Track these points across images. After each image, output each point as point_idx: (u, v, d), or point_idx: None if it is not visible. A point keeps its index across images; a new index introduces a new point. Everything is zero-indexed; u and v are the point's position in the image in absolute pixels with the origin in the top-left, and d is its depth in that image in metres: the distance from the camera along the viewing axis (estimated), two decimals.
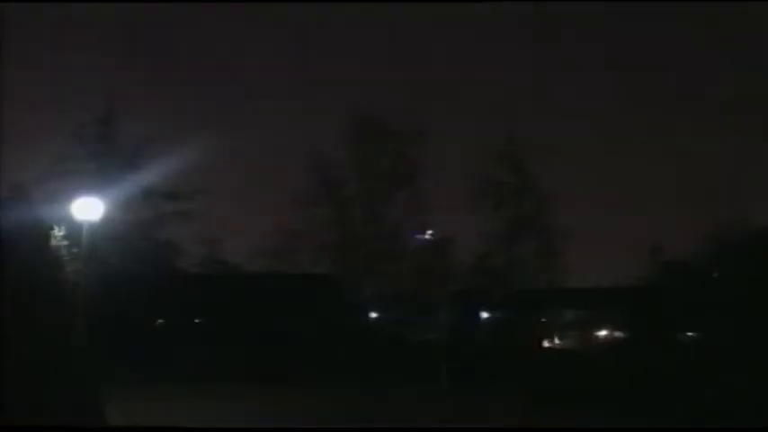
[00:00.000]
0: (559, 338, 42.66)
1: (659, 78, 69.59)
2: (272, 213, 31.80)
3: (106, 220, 23.63)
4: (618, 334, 38.28)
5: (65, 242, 23.86)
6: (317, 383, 24.74)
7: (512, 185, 33.41)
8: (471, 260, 33.74)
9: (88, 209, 19.69)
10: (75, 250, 22.19)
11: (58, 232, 22.89)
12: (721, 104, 69.51)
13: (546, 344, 39.83)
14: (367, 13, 66.97)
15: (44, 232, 15.48)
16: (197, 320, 34.87)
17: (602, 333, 41.19)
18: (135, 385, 21.05)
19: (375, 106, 33.86)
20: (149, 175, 30.92)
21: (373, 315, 38.80)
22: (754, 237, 29.07)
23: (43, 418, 8.33)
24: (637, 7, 58.63)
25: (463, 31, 70.75)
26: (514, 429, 16.48)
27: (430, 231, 33.44)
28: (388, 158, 32.95)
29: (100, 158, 30.99)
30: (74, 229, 21.98)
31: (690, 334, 32.72)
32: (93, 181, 29.17)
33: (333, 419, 16.86)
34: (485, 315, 39.19)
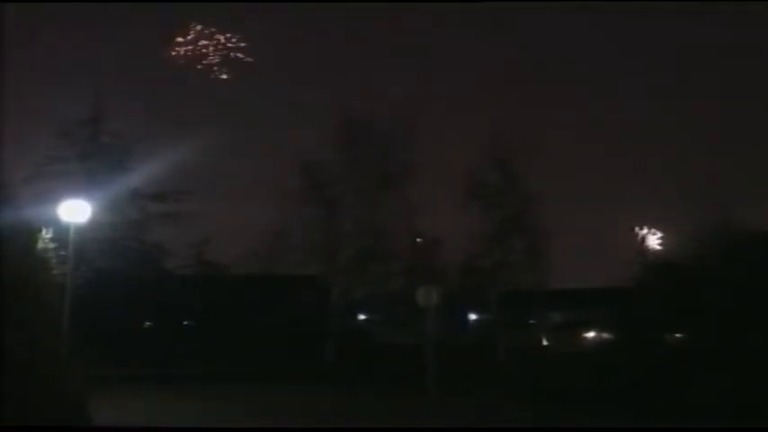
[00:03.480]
0: (547, 340, 42.81)
1: (646, 78, 70.07)
2: (261, 214, 31.66)
3: (94, 222, 23.51)
4: (606, 335, 38.40)
5: (52, 244, 23.81)
6: (302, 386, 24.60)
7: (499, 186, 33.51)
8: (460, 261, 33.85)
9: (76, 211, 19.59)
10: (62, 253, 22.12)
11: (46, 234, 22.84)
12: (708, 105, 70.10)
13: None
14: (359, 14, 67.00)
15: (31, 234, 15.37)
16: (186, 322, 34.74)
17: (591, 334, 41.36)
18: (118, 385, 20.86)
19: (363, 107, 33.83)
20: (137, 176, 30.87)
21: (361, 317, 38.85)
22: (741, 239, 29.24)
23: (26, 418, 8.30)
24: (626, 7, 58.95)
25: (450, 31, 71.03)
26: (514, 429, 16.46)
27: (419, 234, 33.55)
28: (377, 159, 32.93)
29: (87, 159, 30.89)
30: (61, 231, 21.91)
31: (677, 335, 32.87)
32: (81, 182, 29.09)
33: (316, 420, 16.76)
34: (473, 317, 39.31)
